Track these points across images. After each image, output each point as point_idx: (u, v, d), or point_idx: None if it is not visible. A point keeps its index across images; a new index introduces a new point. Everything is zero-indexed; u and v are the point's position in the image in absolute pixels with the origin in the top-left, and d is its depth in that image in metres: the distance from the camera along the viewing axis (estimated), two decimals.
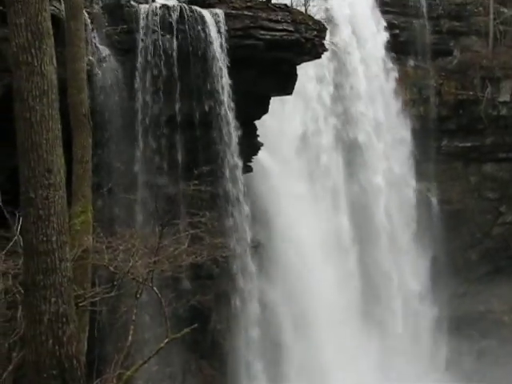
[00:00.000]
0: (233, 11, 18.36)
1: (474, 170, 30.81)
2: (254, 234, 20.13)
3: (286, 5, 20.04)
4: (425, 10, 30.27)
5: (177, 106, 17.45)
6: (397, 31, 29.44)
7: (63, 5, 13.06)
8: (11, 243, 10.04)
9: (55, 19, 8.01)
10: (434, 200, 29.73)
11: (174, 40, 17.21)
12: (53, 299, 7.48)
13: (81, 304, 9.59)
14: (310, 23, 19.70)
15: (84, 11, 12.99)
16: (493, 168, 30.76)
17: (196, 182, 15.60)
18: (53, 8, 12.96)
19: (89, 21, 16.08)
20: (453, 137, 30.50)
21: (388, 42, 28.36)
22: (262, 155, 21.23)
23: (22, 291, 8.37)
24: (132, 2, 17.71)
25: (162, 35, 17.37)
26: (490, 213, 30.62)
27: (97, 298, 10.26)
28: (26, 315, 7.78)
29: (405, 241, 27.48)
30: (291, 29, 18.96)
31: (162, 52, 17.24)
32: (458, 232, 29.38)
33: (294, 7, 20.49)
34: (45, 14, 7.55)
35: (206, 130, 18.34)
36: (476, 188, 30.66)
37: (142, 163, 17.48)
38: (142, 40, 17.37)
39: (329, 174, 25.23)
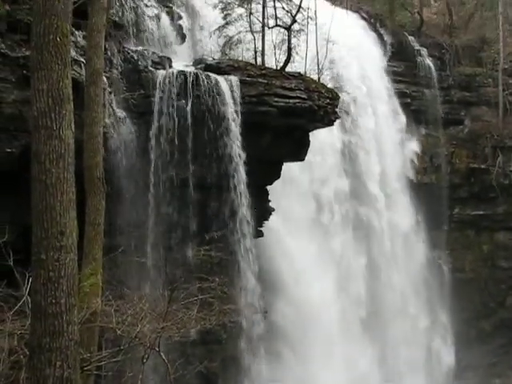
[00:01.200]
0: (247, 78, 18.76)
1: (486, 239, 30.65)
2: (263, 300, 19.94)
3: (299, 73, 20.47)
4: (435, 80, 30.95)
5: (190, 170, 17.66)
6: (408, 100, 30.03)
7: (84, 69, 13.49)
8: (20, 303, 10.01)
9: (75, 82, 8.22)
10: (446, 268, 29.45)
11: (189, 105, 17.56)
12: (58, 363, 7.38)
13: (86, 368, 9.45)
14: (323, 91, 20.10)
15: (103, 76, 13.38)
16: (505, 237, 30.59)
17: (207, 247, 15.60)
18: (73, 72, 13.36)
19: (107, 85, 16.54)
20: (465, 205, 30.53)
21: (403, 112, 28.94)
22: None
23: (27, 353, 8.27)
24: (150, 68, 18.19)
25: (178, 100, 17.75)
26: (503, 282, 30.22)
27: (103, 363, 10.11)
28: (30, 378, 7.65)
29: (416, 309, 27.10)
30: (304, 96, 19.33)
31: (176, 116, 17.56)
32: (470, 301, 28.93)
33: (308, 75, 20.88)
34: (66, 80, 7.79)
35: (218, 195, 18.45)
36: (489, 257, 30.40)
37: (153, 225, 17.54)
38: (158, 104, 17.75)
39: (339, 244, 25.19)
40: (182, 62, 20.07)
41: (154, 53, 18.81)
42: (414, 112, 29.97)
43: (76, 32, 15.64)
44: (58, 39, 7.77)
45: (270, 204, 20.99)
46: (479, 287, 29.71)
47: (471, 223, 30.41)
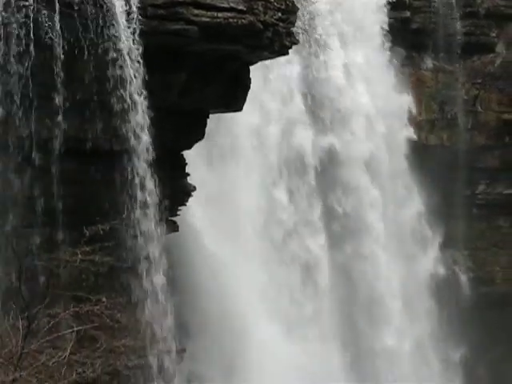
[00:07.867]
0: None
1: None
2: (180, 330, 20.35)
3: None
4: None
5: (57, 126, 17.65)
6: (407, 14, 30.43)
7: None
8: None
9: None
10: (465, 278, 30.16)
11: (57, 19, 17.38)
12: None
13: None
14: (272, 0, 20.26)
15: None
16: None
17: (87, 248, 15.59)
18: None
19: None
20: (494, 180, 31.23)
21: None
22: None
23: None
24: None
25: (37, 11, 17.47)
26: None
27: None
28: None
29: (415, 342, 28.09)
30: (242, 7, 19.44)
31: (33, 37, 17.32)
32: (503, 330, 29.78)
33: None
34: None
35: (104, 166, 18.55)
36: None
37: None
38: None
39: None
40: None
41: None
42: (416, 33, 30.50)
43: None
44: None
45: (189, 179, 21.28)
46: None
47: (504, 208, 31.13)
